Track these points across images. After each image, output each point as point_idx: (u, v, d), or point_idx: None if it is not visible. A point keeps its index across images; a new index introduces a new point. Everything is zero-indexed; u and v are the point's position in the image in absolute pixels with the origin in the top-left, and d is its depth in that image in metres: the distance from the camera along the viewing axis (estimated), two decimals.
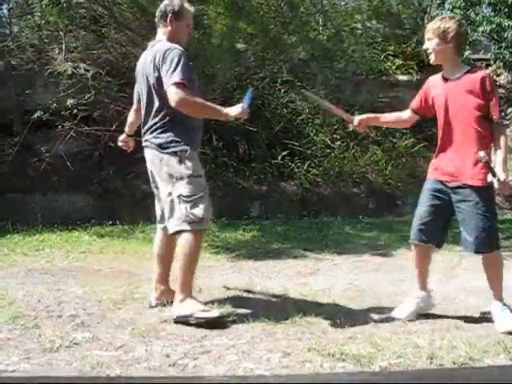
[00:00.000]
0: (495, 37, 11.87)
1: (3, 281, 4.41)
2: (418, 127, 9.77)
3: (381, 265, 5.30)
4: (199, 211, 3.42)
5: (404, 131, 9.61)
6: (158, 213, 3.75)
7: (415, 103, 3.72)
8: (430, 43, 3.42)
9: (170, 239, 3.62)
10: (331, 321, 3.42)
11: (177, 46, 3.48)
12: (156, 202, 3.77)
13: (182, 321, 3.31)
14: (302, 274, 4.86)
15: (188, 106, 3.36)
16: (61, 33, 8.19)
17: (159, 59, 3.40)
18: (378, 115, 3.92)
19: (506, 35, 11.52)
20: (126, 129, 3.97)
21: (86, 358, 2.74)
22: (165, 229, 3.63)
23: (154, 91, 3.49)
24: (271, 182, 8.54)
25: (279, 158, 8.56)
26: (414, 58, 10.99)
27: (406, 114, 3.80)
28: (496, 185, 3.21)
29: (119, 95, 7.83)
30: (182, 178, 3.44)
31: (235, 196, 8.13)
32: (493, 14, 11.91)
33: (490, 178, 3.23)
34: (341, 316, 3.50)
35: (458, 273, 4.96)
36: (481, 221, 3.33)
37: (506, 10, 11.55)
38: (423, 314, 3.56)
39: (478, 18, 12.01)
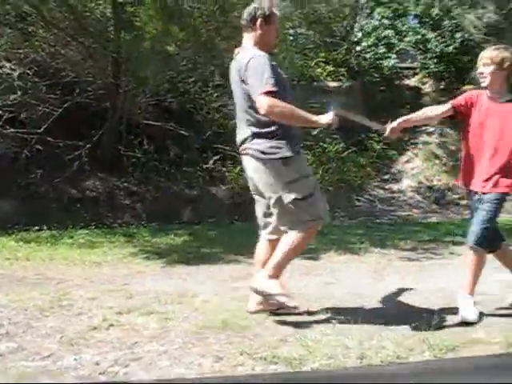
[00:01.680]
0: (421, 47, 12.33)
1: None
2: (349, 132, 10.03)
3: (311, 268, 5.37)
4: (315, 210, 3.43)
5: (334, 136, 9.82)
6: (262, 220, 3.73)
7: (458, 102, 3.89)
8: (486, 68, 3.76)
9: (273, 247, 3.59)
10: (263, 324, 3.45)
11: (260, 52, 3.43)
12: (259, 210, 3.74)
13: (261, 295, 3.44)
14: (234, 278, 4.87)
15: (277, 113, 3.31)
16: None
17: (244, 70, 3.38)
18: (408, 117, 4.00)
19: (430, 46, 12.00)
20: None
21: (10, 369, 2.65)
22: (269, 236, 3.66)
23: (244, 101, 3.48)
24: (203, 186, 8.53)
25: (211, 162, 8.56)
26: (344, 65, 11.25)
27: (443, 108, 3.94)
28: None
29: (47, 96, 7.62)
30: (291, 182, 3.40)
31: (166, 200, 8.07)
32: (419, 25, 12.38)
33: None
34: (272, 319, 3.53)
35: (384, 275, 5.10)
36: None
37: (431, 22, 12.03)
38: (353, 316, 3.64)
39: (404, 29, 12.46)
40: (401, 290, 4.41)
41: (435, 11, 11.72)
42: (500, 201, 3.69)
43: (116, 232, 6.99)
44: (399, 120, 3.87)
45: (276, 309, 3.65)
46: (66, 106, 7.81)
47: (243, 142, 3.54)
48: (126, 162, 8.38)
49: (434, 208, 10.15)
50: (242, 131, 3.55)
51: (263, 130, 3.43)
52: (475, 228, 3.66)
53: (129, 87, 8.22)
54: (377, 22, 12.35)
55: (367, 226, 8.05)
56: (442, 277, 4.96)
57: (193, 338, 3.17)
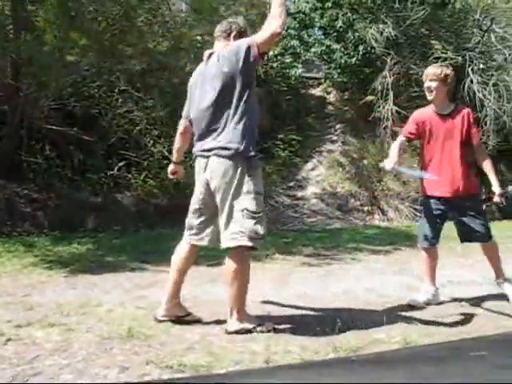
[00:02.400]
0: (325, 58, 12.68)
1: None
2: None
3: (217, 275, 5.37)
4: (261, 229, 3.43)
5: None
6: (197, 225, 3.69)
7: (408, 131, 4.43)
8: (433, 83, 4.31)
9: (194, 253, 3.73)
10: (169, 333, 3.41)
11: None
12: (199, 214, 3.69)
13: (242, 332, 3.40)
14: (140, 286, 4.79)
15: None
16: None
17: (235, 51, 3.43)
18: (397, 155, 4.31)
19: (334, 57, 12.38)
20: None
21: None
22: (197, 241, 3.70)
23: (220, 98, 3.47)
24: (107, 193, 8.33)
25: (116, 168, 8.39)
26: None
27: (399, 143, 4.38)
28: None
29: None
30: (249, 193, 3.40)
31: (69, 208, 7.81)
32: (323, 37, 12.75)
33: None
34: (179, 327, 3.50)
35: (289, 281, 5.19)
36: None
37: (335, 34, 12.43)
38: (259, 322, 3.67)
39: (310, 40, 12.79)
40: (305, 295, 4.50)
41: (339, 24, 12.12)
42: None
43: (15, 241, 6.69)
44: (395, 160, 4.23)
45: (183, 316, 3.65)
46: None
47: (211, 149, 3.48)
48: (26, 167, 8.06)
49: (337, 214, 10.45)
50: (211, 137, 3.51)
51: (233, 135, 3.42)
52: (480, 228, 4.22)
53: (30, 90, 7.90)
54: (284, 32, 12.59)
55: (273, 232, 8.16)
56: (344, 281, 5.12)
57: (97, 349, 3.08)
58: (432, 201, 4.31)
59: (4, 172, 7.82)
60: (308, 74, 13.44)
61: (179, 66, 8.83)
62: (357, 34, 12.01)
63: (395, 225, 10.04)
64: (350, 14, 12.17)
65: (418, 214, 4.57)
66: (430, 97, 4.37)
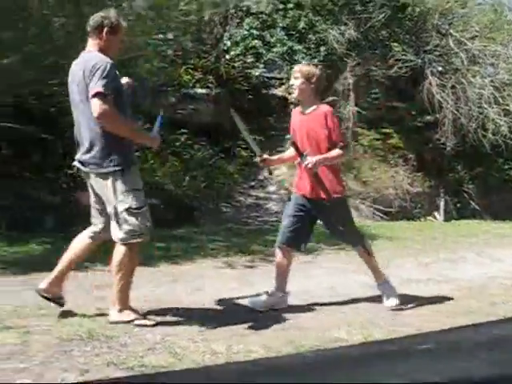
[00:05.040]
0: (288, 58, 12.73)
1: None
2: (217, 140, 10.12)
3: (178, 275, 5.34)
4: (144, 224, 3.56)
5: (202, 143, 9.86)
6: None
7: (292, 136, 4.28)
8: (296, 81, 4.12)
9: (91, 246, 3.81)
10: (130, 333, 3.37)
11: (106, 58, 3.52)
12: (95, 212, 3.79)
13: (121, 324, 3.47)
14: (100, 287, 4.71)
15: (108, 119, 3.42)
16: None
17: (89, 72, 3.44)
18: (279, 156, 4.59)
19: (296, 57, 12.43)
20: None
21: None
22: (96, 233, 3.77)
23: (83, 105, 3.50)
24: (67, 192, 8.19)
25: (75, 167, 8.24)
26: (212, 73, 11.34)
27: (291, 148, 4.30)
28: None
29: None
30: (126, 192, 3.50)
31: (27, 208, 7.65)
32: (286, 37, 12.79)
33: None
34: (140, 328, 3.47)
35: (251, 280, 5.19)
36: None
37: (298, 35, 12.49)
38: (221, 321, 3.67)
39: (272, 40, 12.81)
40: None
41: (301, 25, 12.18)
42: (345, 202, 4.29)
43: None
44: (273, 158, 4.43)
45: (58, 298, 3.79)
46: None
47: (84, 154, 3.63)
48: None
49: None
50: (82, 143, 3.64)
51: (101, 141, 3.52)
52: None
53: None
54: (246, 32, 12.59)
55: (234, 232, 8.15)
56: (304, 280, 5.14)
57: (56, 352, 3.02)
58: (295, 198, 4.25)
59: None
60: (269, 74, 13.47)
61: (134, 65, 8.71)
62: (318, 35, 12.09)
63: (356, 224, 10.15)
64: (312, 16, 12.24)
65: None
66: (294, 95, 4.25)
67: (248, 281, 5.16)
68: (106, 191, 3.56)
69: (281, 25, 12.84)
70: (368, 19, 11.69)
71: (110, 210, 3.58)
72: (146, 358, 2.93)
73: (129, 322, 3.52)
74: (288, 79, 13.19)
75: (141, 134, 3.90)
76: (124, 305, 3.59)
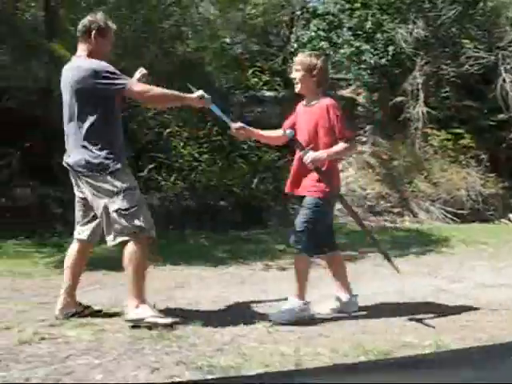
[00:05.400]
0: (355, 59, 12.60)
1: None
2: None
3: (245, 277, 5.38)
4: (138, 222, 3.51)
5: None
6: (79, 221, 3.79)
7: (287, 124, 4.03)
8: (297, 74, 3.87)
9: (84, 251, 3.79)
10: (199, 334, 3.42)
11: (100, 62, 3.55)
12: (80, 214, 3.78)
13: (137, 324, 3.45)
14: (169, 287, 4.81)
15: (150, 97, 3.64)
16: None
17: (81, 75, 3.49)
18: (261, 132, 4.20)
19: (364, 58, 12.29)
20: None
21: None
22: (82, 240, 3.75)
23: (75, 108, 3.55)
24: None
25: (146, 170, 8.45)
26: (280, 75, 11.35)
27: (278, 133, 4.09)
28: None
29: None
30: (117, 193, 3.50)
31: None
32: (353, 38, 12.66)
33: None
34: (209, 329, 3.51)
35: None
36: None
37: (365, 35, 12.34)
38: (281, 324, 3.65)
39: (339, 41, 12.71)
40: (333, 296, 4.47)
41: (368, 25, 12.03)
42: (315, 205, 3.79)
43: (47, 243, 6.77)
44: (249, 128, 4.03)
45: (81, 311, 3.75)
46: None
47: (73, 156, 3.62)
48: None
49: (367, 216, 10.36)
50: (71, 145, 3.64)
51: (90, 142, 3.54)
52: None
53: None
54: (313, 34, 12.54)
55: None
56: (374, 283, 5.07)
57: (128, 350, 3.11)
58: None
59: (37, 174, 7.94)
60: (337, 76, 13.37)
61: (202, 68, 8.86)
62: (386, 34, 11.90)
63: (426, 227, 9.92)
64: (379, 15, 12.06)
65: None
66: (296, 89, 3.95)
67: (315, 284, 5.12)
68: (96, 193, 3.54)
69: (348, 25, 12.72)
70: (437, 16, 11.41)
71: (99, 211, 3.56)
72: (215, 358, 2.97)
73: (143, 319, 3.47)
74: (355, 80, 13.21)
75: (185, 97, 3.73)
76: (140, 300, 3.53)
